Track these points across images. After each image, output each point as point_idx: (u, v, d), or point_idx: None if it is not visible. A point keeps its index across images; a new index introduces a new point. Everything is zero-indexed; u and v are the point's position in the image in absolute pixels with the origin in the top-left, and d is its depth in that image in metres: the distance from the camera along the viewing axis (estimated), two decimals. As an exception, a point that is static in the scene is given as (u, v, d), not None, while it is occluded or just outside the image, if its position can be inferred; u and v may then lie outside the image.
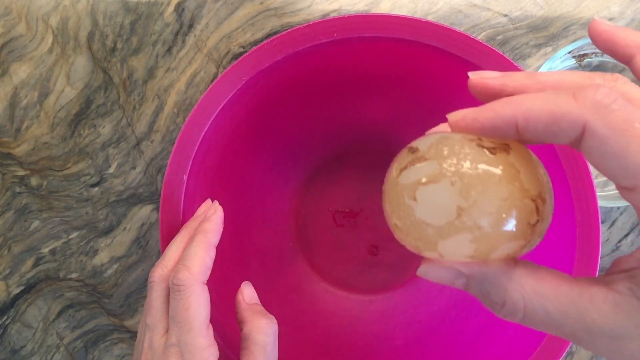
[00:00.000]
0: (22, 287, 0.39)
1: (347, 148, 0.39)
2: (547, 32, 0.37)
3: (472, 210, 0.17)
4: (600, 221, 0.27)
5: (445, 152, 0.18)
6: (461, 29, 0.32)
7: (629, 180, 0.15)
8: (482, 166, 0.18)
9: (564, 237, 0.29)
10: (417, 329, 0.36)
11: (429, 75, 0.31)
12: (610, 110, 0.15)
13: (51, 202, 0.39)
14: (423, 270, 0.19)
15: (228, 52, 0.38)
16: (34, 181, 0.39)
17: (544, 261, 0.31)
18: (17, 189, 0.39)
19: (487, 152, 0.18)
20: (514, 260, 0.18)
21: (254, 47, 0.29)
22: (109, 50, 0.38)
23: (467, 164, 0.18)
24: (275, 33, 0.35)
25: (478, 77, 0.19)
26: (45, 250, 0.39)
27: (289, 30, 0.28)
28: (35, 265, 0.39)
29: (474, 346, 0.33)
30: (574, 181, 0.28)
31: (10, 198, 0.39)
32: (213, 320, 0.29)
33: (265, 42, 0.28)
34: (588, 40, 0.34)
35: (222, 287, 0.32)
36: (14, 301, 0.39)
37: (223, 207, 0.34)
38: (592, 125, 0.15)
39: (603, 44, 0.19)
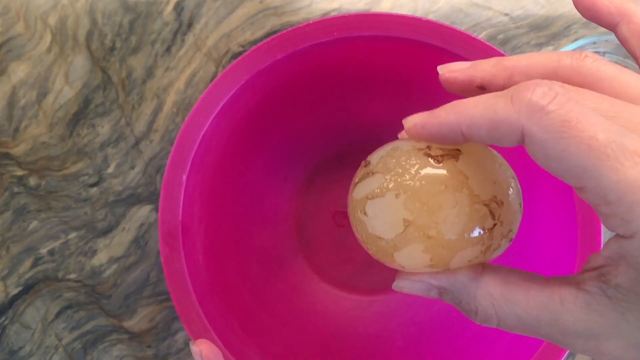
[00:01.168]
0: (20, 288, 0.39)
1: (347, 147, 0.39)
2: (548, 31, 0.37)
3: (417, 222, 0.17)
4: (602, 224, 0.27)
5: (392, 165, 0.18)
6: (462, 28, 0.32)
7: (576, 181, 0.15)
8: (427, 176, 0.17)
9: (566, 239, 0.28)
10: (417, 329, 0.36)
11: (430, 74, 0.31)
12: (545, 113, 0.15)
13: (50, 202, 0.39)
14: (397, 285, 0.19)
15: (227, 51, 0.38)
16: (32, 181, 0.38)
17: (544, 263, 0.31)
18: (15, 189, 0.38)
19: (432, 161, 0.18)
20: (482, 267, 0.18)
21: (253, 47, 0.28)
22: (108, 50, 0.38)
23: (411, 176, 0.18)
24: (275, 32, 0.35)
25: (446, 71, 0.19)
26: (44, 250, 0.39)
27: (287, 29, 0.28)
28: (33, 265, 0.39)
29: (474, 347, 0.33)
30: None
31: (8, 198, 0.39)
32: (212, 321, 0.29)
33: (263, 41, 0.28)
34: (590, 39, 0.34)
35: (220, 286, 0.32)
36: (12, 302, 0.39)
37: (223, 208, 0.34)
38: (530, 130, 0.15)
39: (587, 13, 0.19)
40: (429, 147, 0.18)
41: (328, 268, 0.39)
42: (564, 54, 0.17)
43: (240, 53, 0.38)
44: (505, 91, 0.16)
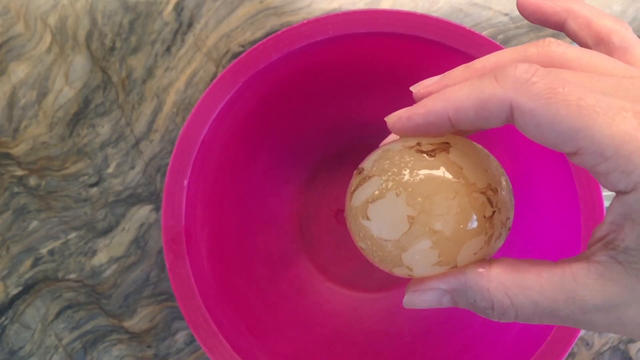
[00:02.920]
0: (20, 288, 0.39)
1: (347, 146, 0.39)
2: (548, 31, 0.37)
3: (422, 217, 0.17)
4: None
5: (387, 166, 0.18)
6: (462, 28, 0.32)
7: (570, 145, 0.15)
8: (423, 171, 0.18)
9: (569, 235, 0.28)
10: (423, 325, 0.36)
11: (428, 69, 0.31)
12: (531, 83, 0.15)
13: (50, 202, 0.38)
14: (409, 301, 0.19)
15: (227, 51, 0.38)
16: (32, 181, 0.38)
17: (550, 253, 0.31)
18: (16, 189, 0.38)
19: (426, 156, 0.18)
20: (488, 261, 0.18)
21: (249, 48, 0.28)
22: (108, 50, 0.38)
23: (408, 173, 0.18)
24: (275, 32, 0.35)
25: (420, 88, 0.19)
26: (44, 250, 0.39)
27: (283, 29, 0.28)
28: (33, 265, 0.39)
29: (480, 342, 0.33)
30: (580, 180, 0.27)
31: (8, 198, 0.39)
32: (219, 325, 0.29)
33: (260, 42, 0.28)
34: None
35: (226, 290, 0.32)
36: (12, 302, 0.39)
37: (225, 211, 0.34)
38: (518, 101, 0.15)
39: (534, 17, 0.20)
40: (419, 144, 0.18)
41: (332, 266, 0.39)
42: (529, 45, 0.17)
43: (240, 53, 0.38)
44: (487, 74, 0.16)
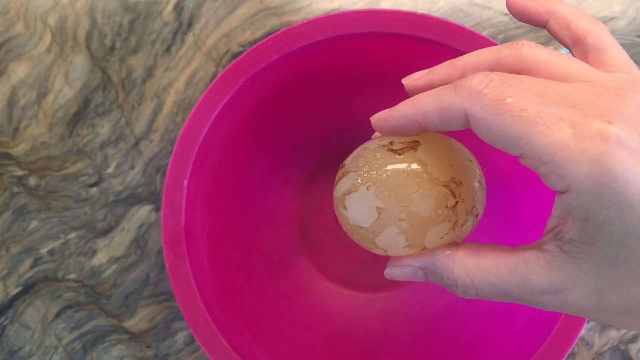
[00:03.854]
0: (20, 288, 0.39)
1: (347, 146, 0.39)
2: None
3: (389, 208, 0.20)
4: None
5: (361, 163, 0.21)
6: (462, 28, 0.32)
7: (515, 150, 0.17)
8: (391, 167, 0.21)
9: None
10: (424, 325, 0.36)
11: (427, 67, 0.31)
12: (482, 95, 0.17)
13: (49, 202, 0.38)
14: (388, 273, 0.22)
15: (227, 51, 0.38)
16: (32, 181, 0.38)
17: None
18: (15, 189, 0.38)
19: (395, 155, 0.21)
20: (456, 245, 0.20)
21: (249, 48, 0.28)
22: (108, 50, 0.38)
23: (377, 170, 0.21)
24: (275, 32, 0.35)
25: (410, 81, 0.22)
26: (44, 250, 0.39)
27: (283, 29, 0.28)
28: (33, 265, 0.39)
29: (481, 342, 0.33)
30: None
31: (8, 198, 0.38)
32: (219, 325, 0.29)
33: (260, 42, 0.28)
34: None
35: (227, 290, 0.32)
36: (12, 302, 0.39)
37: (225, 211, 0.34)
38: (471, 111, 0.17)
39: (520, 16, 0.21)
40: (391, 143, 0.21)
41: (332, 266, 0.39)
42: (504, 46, 0.19)
43: (240, 53, 0.38)
44: (450, 84, 0.19)
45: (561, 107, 0.16)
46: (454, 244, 0.20)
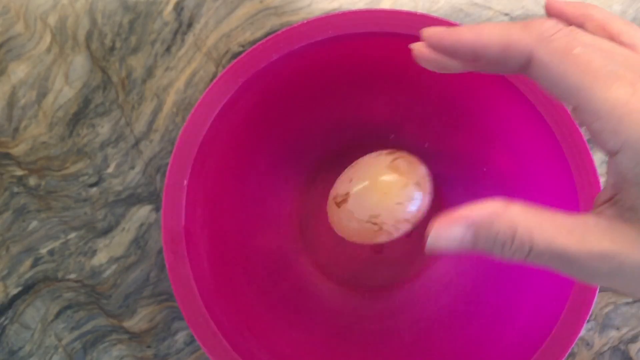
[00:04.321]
0: (20, 288, 0.39)
1: (347, 146, 0.39)
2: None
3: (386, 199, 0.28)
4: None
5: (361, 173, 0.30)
6: (462, 28, 0.32)
7: (571, 101, 0.17)
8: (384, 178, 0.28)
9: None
10: (424, 324, 0.36)
11: (428, 69, 0.31)
12: (552, 40, 0.17)
13: (49, 202, 0.38)
14: (432, 241, 0.19)
15: (227, 51, 0.38)
16: (32, 181, 0.38)
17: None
18: (15, 189, 0.38)
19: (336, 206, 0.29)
20: (506, 200, 0.19)
21: (249, 48, 0.28)
22: (108, 50, 0.38)
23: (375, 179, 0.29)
24: (275, 32, 0.35)
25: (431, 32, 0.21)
26: (44, 250, 0.39)
27: (282, 29, 0.28)
28: (33, 265, 0.39)
29: (481, 342, 0.33)
30: (580, 179, 0.27)
31: (8, 198, 0.38)
32: (220, 326, 0.29)
33: (259, 42, 0.28)
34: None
35: (227, 290, 0.32)
36: (12, 302, 0.39)
37: (225, 211, 0.34)
38: (537, 53, 0.18)
39: (557, 17, 0.22)
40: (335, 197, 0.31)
41: (332, 266, 0.39)
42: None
43: (240, 53, 0.38)
44: (518, 22, 0.19)
45: (624, 68, 0.17)
46: (504, 201, 0.19)
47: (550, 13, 0.22)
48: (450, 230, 0.19)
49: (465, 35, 0.19)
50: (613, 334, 0.38)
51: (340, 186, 0.30)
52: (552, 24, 0.18)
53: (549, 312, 0.29)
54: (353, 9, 0.28)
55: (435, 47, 0.20)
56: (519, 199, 0.33)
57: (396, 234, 0.28)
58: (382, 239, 0.29)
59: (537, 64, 0.18)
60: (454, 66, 0.20)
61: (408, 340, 0.36)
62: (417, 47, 0.21)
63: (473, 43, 0.19)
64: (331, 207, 0.30)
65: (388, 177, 0.28)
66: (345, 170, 0.31)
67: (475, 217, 0.19)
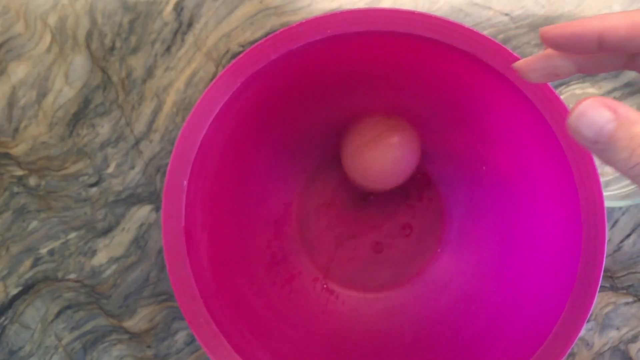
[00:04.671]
0: (20, 288, 0.39)
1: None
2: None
3: None
4: (606, 224, 0.27)
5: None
6: (462, 28, 0.32)
7: None
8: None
9: (570, 234, 0.28)
10: (424, 324, 0.36)
11: (428, 68, 0.31)
12: None
13: (49, 202, 0.38)
14: (574, 118, 0.18)
15: (227, 51, 0.38)
16: (32, 181, 0.38)
17: (550, 262, 0.31)
18: (15, 189, 0.38)
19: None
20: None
21: (248, 49, 0.28)
22: (108, 50, 0.38)
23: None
24: (275, 32, 0.35)
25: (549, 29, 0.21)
26: (44, 250, 0.39)
27: (281, 29, 0.28)
28: (33, 265, 0.39)
29: (481, 341, 0.33)
30: (581, 179, 0.27)
31: (8, 198, 0.39)
32: (220, 326, 0.29)
33: (258, 42, 0.28)
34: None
35: (226, 290, 0.32)
36: (12, 302, 0.39)
37: (225, 212, 0.34)
38: None
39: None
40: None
41: (332, 266, 0.39)
42: None
43: (240, 53, 0.38)
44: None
45: None
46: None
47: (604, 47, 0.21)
48: (598, 113, 0.18)
49: (590, 21, 0.19)
50: (613, 334, 0.38)
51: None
52: None
53: (549, 312, 0.29)
54: (351, 9, 0.28)
55: (560, 37, 0.20)
56: (519, 198, 0.34)
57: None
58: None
59: None
60: (566, 68, 0.20)
61: (407, 341, 0.36)
62: (521, 62, 0.21)
63: (599, 26, 0.19)
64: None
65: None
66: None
67: (623, 112, 0.17)
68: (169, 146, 0.38)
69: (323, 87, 0.33)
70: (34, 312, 0.39)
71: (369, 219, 0.39)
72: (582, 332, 0.37)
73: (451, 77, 0.31)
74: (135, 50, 0.38)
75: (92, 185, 0.38)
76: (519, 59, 0.28)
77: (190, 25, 0.38)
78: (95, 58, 0.38)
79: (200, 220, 0.31)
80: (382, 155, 0.35)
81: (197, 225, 0.31)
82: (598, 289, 0.28)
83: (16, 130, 0.38)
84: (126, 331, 0.39)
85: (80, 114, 0.38)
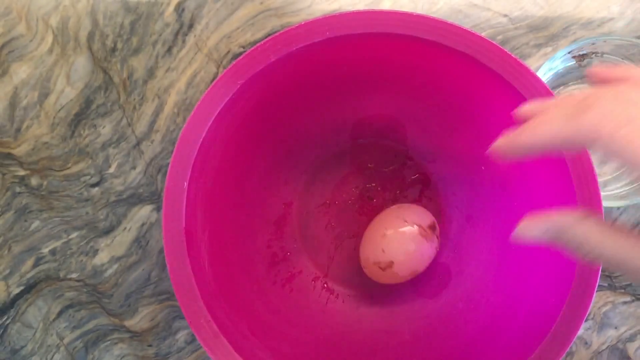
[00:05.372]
0: (22, 287, 0.39)
1: (347, 146, 0.39)
2: (547, 32, 0.37)
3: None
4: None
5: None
6: (461, 29, 0.32)
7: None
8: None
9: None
10: (423, 323, 0.36)
11: (427, 69, 0.31)
12: (600, 132, 0.19)
13: (51, 202, 0.39)
14: (521, 230, 0.23)
15: (228, 52, 0.38)
16: (34, 181, 0.39)
17: (548, 262, 0.31)
18: (17, 189, 0.39)
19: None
20: (585, 213, 0.22)
21: (248, 50, 0.28)
22: (109, 50, 0.38)
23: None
24: (276, 33, 0.35)
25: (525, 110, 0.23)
26: (46, 250, 0.39)
27: (281, 31, 0.28)
28: (35, 265, 0.39)
29: (480, 341, 0.33)
30: (579, 182, 0.28)
31: (10, 198, 0.39)
32: (221, 326, 0.29)
33: (258, 44, 0.28)
34: (588, 40, 0.34)
35: (228, 291, 0.32)
36: (14, 301, 0.39)
37: (225, 212, 0.34)
38: (595, 143, 0.19)
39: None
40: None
41: (332, 266, 0.39)
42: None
43: (240, 54, 0.38)
44: (570, 105, 0.20)
45: None
46: (583, 212, 0.22)
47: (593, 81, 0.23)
48: (538, 224, 0.22)
49: (526, 140, 0.21)
50: (611, 333, 0.38)
51: (375, 253, 0.36)
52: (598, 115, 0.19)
53: (547, 311, 0.29)
54: (350, 10, 0.28)
55: (513, 152, 0.23)
56: (517, 198, 0.34)
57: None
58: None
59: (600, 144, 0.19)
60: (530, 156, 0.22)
61: (407, 340, 0.36)
62: (498, 145, 0.23)
63: (538, 143, 0.21)
64: (373, 269, 0.36)
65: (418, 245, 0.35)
66: (372, 234, 0.37)
67: (557, 223, 0.22)
68: (170, 146, 0.38)
69: (323, 88, 0.33)
70: (35, 312, 0.39)
71: (369, 219, 0.39)
72: (581, 331, 0.37)
73: (450, 79, 0.31)
74: (136, 51, 0.38)
75: (93, 185, 0.39)
76: (518, 60, 0.28)
77: (191, 26, 0.38)
78: (97, 59, 0.38)
79: (201, 221, 0.31)
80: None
81: (198, 225, 0.31)
82: (596, 288, 0.28)
83: (18, 130, 0.38)
84: (127, 330, 0.39)
85: (82, 115, 0.38)
